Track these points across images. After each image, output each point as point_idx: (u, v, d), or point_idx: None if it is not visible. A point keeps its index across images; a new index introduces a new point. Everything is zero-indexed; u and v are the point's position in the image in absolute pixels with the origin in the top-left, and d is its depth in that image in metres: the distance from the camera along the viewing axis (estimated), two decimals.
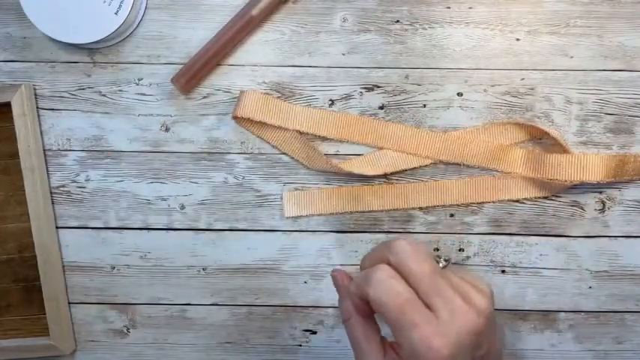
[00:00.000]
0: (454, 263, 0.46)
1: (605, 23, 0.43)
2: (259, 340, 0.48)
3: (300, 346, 0.48)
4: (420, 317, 0.29)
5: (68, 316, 0.47)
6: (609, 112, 0.44)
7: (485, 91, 0.44)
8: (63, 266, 0.47)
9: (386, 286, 0.30)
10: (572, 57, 0.44)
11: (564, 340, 0.47)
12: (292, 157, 0.45)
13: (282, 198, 0.46)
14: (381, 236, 0.46)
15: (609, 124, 0.44)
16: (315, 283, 0.47)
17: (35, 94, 0.45)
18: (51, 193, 0.46)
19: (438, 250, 0.46)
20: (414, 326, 0.29)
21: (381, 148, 0.45)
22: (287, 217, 0.46)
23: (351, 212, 0.46)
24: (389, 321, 0.30)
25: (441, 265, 0.33)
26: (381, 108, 0.45)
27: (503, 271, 0.46)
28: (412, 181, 0.46)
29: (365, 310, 0.32)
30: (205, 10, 0.44)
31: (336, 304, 0.36)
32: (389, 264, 0.31)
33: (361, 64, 0.44)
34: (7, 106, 0.44)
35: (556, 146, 0.44)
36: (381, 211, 0.46)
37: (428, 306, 0.30)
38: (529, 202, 0.45)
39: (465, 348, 0.30)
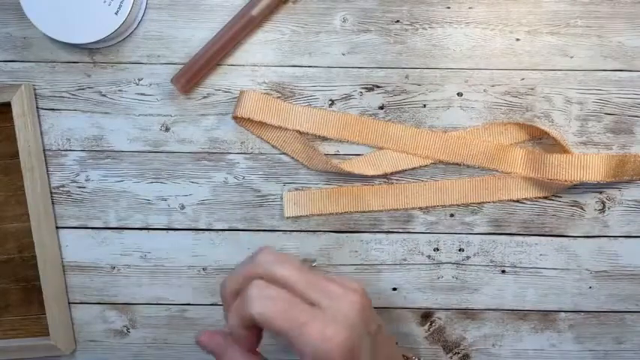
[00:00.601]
0: (459, 263, 0.46)
1: (605, 23, 0.43)
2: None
3: None
4: (305, 315, 0.29)
5: (68, 316, 0.47)
6: (609, 112, 0.44)
7: (485, 91, 0.44)
8: (63, 266, 0.47)
9: (264, 299, 0.29)
10: (572, 57, 0.44)
11: (564, 340, 0.47)
12: (292, 157, 0.45)
13: (282, 198, 0.46)
14: (382, 236, 0.46)
15: (609, 124, 0.44)
16: None
17: (35, 94, 0.45)
18: (51, 193, 0.46)
19: (437, 250, 0.46)
20: (304, 326, 0.29)
21: (381, 148, 0.45)
22: (287, 217, 0.46)
23: (351, 212, 0.46)
24: (280, 332, 0.29)
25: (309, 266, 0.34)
26: (381, 108, 0.45)
27: (503, 271, 0.46)
28: (412, 181, 0.46)
29: (251, 345, 0.31)
30: (205, 10, 0.44)
31: None
32: (260, 278, 0.31)
33: (361, 64, 0.44)
34: (7, 106, 0.44)
35: (556, 146, 0.44)
36: (381, 211, 0.46)
37: (310, 303, 0.30)
38: (529, 202, 0.45)
39: (357, 326, 0.30)
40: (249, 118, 0.44)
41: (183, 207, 0.46)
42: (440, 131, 0.45)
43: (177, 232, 0.47)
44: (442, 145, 0.45)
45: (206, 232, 0.46)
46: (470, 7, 0.44)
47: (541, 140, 0.45)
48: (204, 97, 0.45)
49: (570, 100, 0.44)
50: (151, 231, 0.47)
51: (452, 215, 0.46)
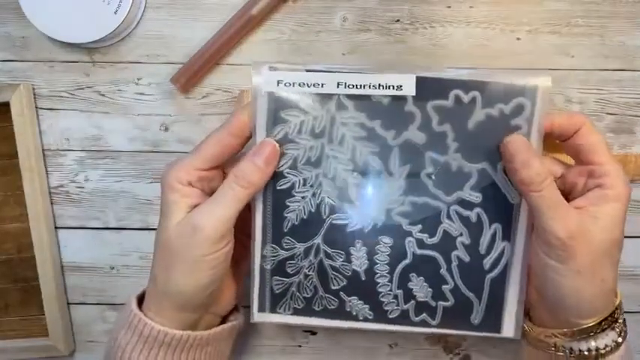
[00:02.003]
0: None
1: (606, 22, 0.43)
2: (259, 341, 0.48)
3: (300, 346, 0.48)
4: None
5: (67, 317, 0.47)
6: (610, 112, 0.44)
7: None
8: (62, 266, 0.47)
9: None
10: (573, 56, 0.44)
11: None
12: None
13: None
14: None
15: (610, 124, 0.44)
16: None
17: (34, 94, 0.45)
18: (50, 193, 0.46)
19: None
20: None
21: None
22: None
23: None
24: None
25: None
26: None
27: None
28: None
29: None
30: (205, 10, 0.44)
31: None
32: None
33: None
34: (6, 105, 0.44)
35: (557, 146, 0.44)
36: None
37: None
38: None
39: None
40: None
41: None
42: None
43: None
44: None
45: None
46: (471, 6, 0.44)
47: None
48: (204, 97, 0.45)
49: (571, 100, 0.44)
50: (150, 231, 0.46)
51: None
